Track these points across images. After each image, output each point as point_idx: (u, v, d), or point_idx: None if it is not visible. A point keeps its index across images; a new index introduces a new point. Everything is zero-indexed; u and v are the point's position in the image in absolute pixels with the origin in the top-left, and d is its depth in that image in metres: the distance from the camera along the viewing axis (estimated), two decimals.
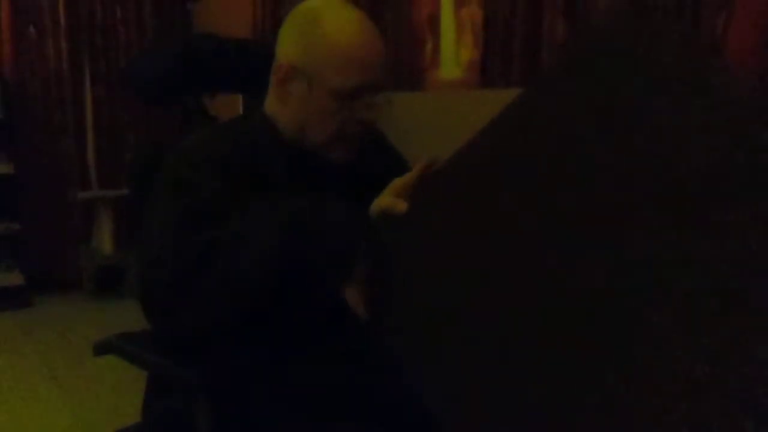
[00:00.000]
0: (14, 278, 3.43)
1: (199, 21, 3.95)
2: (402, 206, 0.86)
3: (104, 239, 3.62)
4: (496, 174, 0.78)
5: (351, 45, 1.00)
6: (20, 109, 3.58)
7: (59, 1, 3.65)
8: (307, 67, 1.01)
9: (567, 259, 0.70)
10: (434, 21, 2.58)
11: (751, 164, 0.62)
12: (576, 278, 0.69)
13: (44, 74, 3.65)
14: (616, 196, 0.69)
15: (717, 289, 0.62)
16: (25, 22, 3.60)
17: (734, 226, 0.63)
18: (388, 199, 0.88)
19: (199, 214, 0.95)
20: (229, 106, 2.57)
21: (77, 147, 3.74)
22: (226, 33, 3.78)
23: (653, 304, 0.65)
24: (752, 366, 0.60)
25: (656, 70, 0.69)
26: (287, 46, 1.04)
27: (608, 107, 0.71)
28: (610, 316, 0.67)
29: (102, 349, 1.23)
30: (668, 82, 0.68)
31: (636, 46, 0.72)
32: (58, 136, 3.69)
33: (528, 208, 0.74)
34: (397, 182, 0.90)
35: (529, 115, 0.78)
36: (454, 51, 2.54)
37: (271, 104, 1.09)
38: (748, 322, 0.60)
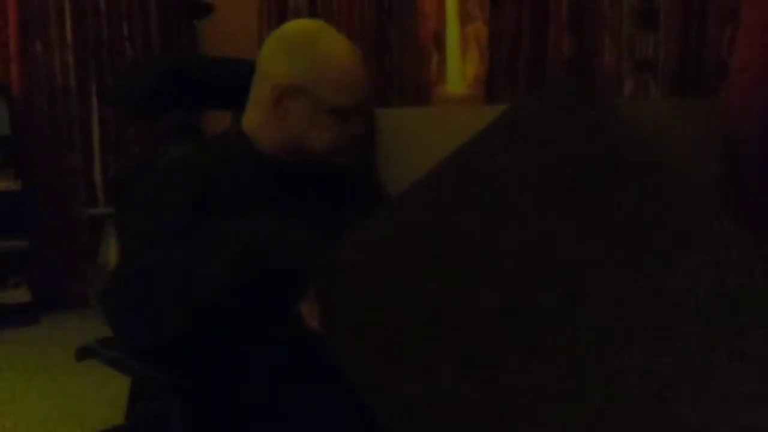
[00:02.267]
0: (22, 295, 3.43)
1: (205, 37, 3.97)
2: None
3: (111, 255, 3.62)
4: (441, 214, 0.87)
5: (347, 67, 1.11)
6: (27, 126, 3.59)
7: (66, 18, 3.67)
8: (308, 86, 1.10)
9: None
10: (440, 37, 2.59)
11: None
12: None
13: (51, 91, 3.67)
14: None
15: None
16: (32, 39, 3.62)
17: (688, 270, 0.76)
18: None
19: (164, 235, 1.01)
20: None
21: (84, 163, 3.75)
22: (232, 48, 3.79)
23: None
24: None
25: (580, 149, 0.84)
26: (284, 67, 1.11)
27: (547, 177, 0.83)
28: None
29: (83, 354, 1.29)
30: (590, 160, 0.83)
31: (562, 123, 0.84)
32: (65, 152, 3.70)
33: (474, 256, 0.83)
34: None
35: (468, 173, 0.88)
36: (459, 67, 2.54)
37: (253, 120, 1.17)
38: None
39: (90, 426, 2.24)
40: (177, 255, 0.96)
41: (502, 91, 2.36)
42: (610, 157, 0.85)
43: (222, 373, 1.05)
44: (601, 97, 0.91)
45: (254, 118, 1.17)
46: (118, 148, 3.81)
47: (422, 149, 2.41)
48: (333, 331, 0.91)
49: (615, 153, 0.86)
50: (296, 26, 1.16)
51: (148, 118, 1.49)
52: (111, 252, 3.62)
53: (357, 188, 1.22)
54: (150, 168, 1.14)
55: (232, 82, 1.30)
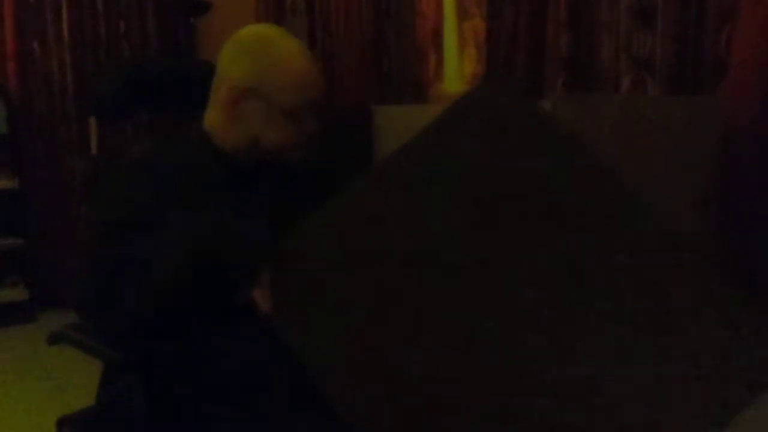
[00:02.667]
0: (19, 293, 3.43)
1: (202, 35, 3.97)
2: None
3: None
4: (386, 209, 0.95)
5: (298, 69, 1.19)
6: (25, 125, 3.59)
7: (63, 17, 3.66)
8: (262, 88, 1.18)
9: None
10: (438, 35, 2.59)
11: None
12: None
13: (49, 90, 3.66)
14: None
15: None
16: (30, 38, 3.61)
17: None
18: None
19: (126, 225, 1.08)
20: None
21: (81, 162, 3.75)
22: None
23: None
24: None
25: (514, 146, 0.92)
26: (239, 70, 1.20)
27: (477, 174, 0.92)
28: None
29: (54, 339, 1.38)
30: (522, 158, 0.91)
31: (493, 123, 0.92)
32: (63, 151, 3.70)
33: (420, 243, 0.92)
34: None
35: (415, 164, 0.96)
36: (457, 64, 2.54)
37: (213, 120, 1.25)
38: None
39: None
40: (138, 243, 1.03)
41: None
42: (542, 161, 0.92)
43: (181, 354, 1.13)
44: (534, 102, 1.00)
45: (213, 117, 1.25)
46: (116, 148, 3.81)
47: None
48: (283, 315, 0.99)
49: (548, 157, 0.93)
50: (251, 31, 1.24)
51: (112, 119, 1.56)
52: None
53: (313, 183, 1.31)
54: (113, 164, 1.24)
55: (194, 83, 1.36)
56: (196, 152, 1.23)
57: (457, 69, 2.55)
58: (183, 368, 1.15)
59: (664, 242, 0.88)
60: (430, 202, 0.92)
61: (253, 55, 1.19)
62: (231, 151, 1.24)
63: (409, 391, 0.90)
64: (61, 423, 1.36)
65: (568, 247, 0.87)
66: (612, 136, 1.46)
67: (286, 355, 0.97)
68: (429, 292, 0.90)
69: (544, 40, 2.20)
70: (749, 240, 1.71)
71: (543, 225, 0.88)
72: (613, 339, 0.85)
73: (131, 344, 1.16)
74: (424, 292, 0.91)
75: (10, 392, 2.54)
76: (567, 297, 0.87)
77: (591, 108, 1.44)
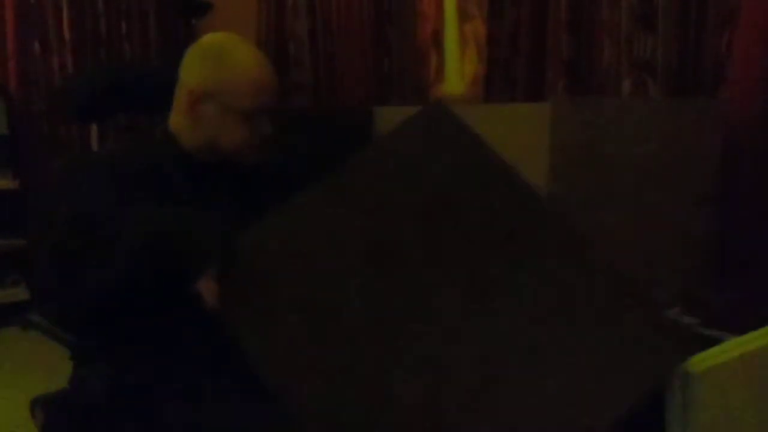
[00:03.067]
0: (19, 294, 3.43)
1: (203, 36, 3.97)
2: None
3: None
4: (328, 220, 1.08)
5: (252, 74, 1.28)
6: (25, 125, 3.59)
7: (64, 17, 3.67)
8: (218, 92, 1.27)
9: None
10: (438, 37, 2.59)
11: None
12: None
13: (49, 90, 3.66)
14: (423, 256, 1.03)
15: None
16: (30, 38, 3.61)
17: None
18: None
19: (87, 220, 1.19)
20: None
21: None
22: None
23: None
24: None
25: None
26: (197, 75, 1.28)
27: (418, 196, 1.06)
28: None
29: (26, 324, 1.38)
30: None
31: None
32: (63, 151, 3.70)
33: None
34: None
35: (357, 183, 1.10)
36: (458, 66, 2.55)
37: (175, 122, 1.33)
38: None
39: None
40: (98, 236, 1.13)
41: (501, 91, 2.36)
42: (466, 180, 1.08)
43: (137, 340, 1.22)
44: (464, 127, 1.17)
45: (176, 120, 1.33)
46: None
47: None
48: (230, 309, 1.06)
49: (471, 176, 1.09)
50: (210, 39, 1.34)
51: (89, 121, 1.66)
52: None
53: (270, 183, 1.35)
54: (80, 163, 1.37)
55: (164, 87, 1.43)
56: (159, 153, 1.32)
57: (457, 70, 2.56)
58: (139, 354, 1.24)
59: (570, 246, 1.04)
60: (372, 214, 1.06)
61: (210, 62, 1.28)
62: (192, 151, 1.32)
63: (347, 387, 0.98)
64: (35, 402, 1.42)
65: (488, 255, 1.02)
66: (613, 138, 1.46)
67: (231, 347, 1.05)
68: (367, 294, 1.01)
69: (545, 42, 2.20)
70: (749, 240, 1.72)
71: (470, 236, 1.03)
72: (524, 339, 0.96)
73: (91, 331, 1.26)
74: (361, 294, 1.01)
75: (10, 392, 2.54)
76: (483, 299, 0.99)
77: (592, 110, 1.44)
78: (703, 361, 0.89)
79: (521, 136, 2.01)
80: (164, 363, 1.23)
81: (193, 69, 1.29)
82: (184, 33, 3.96)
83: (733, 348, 0.93)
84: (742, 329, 1.14)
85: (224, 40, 1.32)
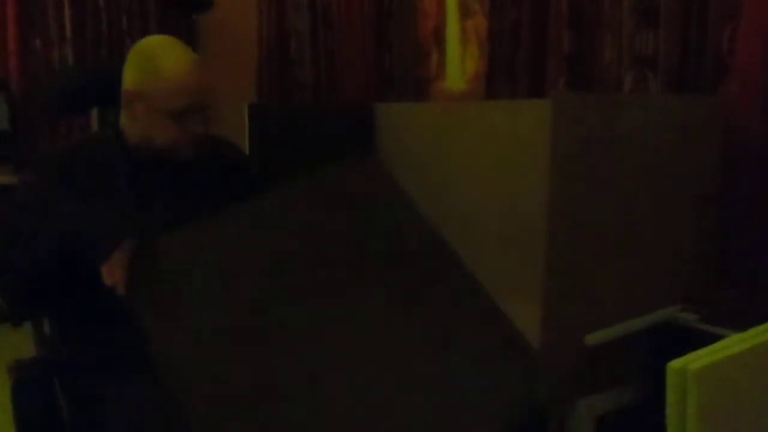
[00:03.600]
0: None
1: (205, 32, 3.97)
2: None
3: None
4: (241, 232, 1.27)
5: (180, 75, 1.38)
6: (26, 121, 3.59)
7: (65, 14, 3.67)
8: (147, 94, 1.38)
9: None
10: (439, 33, 2.58)
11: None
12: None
13: (32, 87, 3.66)
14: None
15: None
16: (32, 35, 3.61)
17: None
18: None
19: (25, 208, 1.39)
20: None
21: None
22: (232, 43, 3.78)
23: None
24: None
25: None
26: (131, 77, 1.41)
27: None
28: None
29: None
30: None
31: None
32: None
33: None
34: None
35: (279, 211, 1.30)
36: (459, 62, 2.54)
37: (121, 120, 1.47)
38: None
39: None
40: (29, 223, 1.34)
41: (502, 87, 2.35)
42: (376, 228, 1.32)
43: (68, 315, 1.44)
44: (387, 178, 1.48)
45: (122, 117, 1.47)
46: None
47: (421, 145, 2.41)
48: (138, 299, 1.20)
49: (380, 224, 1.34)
50: (145, 43, 1.45)
51: (65, 116, 1.81)
52: None
53: (211, 180, 1.50)
54: (39, 158, 1.58)
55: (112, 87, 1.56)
56: (108, 148, 1.47)
57: (458, 67, 2.55)
58: (71, 328, 1.46)
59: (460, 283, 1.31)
60: (280, 235, 1.26)
61: (142, 65, 1.40)
62: (135, 148, 1.45)
63: (239, 370, 1.11)
64: (11, 369, 1.53)
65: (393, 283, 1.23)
66: (614, 134, 1.46)
67: (135, 329, 1.18)
68: (263, 297, 1.19)
69: (546, 38, 2.19)
70: (750, 237, 1.71)
71: (371, 268, 1.25)
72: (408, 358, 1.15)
73: (28, 307, 1.43)
74: (257, 295, 1.19)
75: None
76: (353, 311, 1.19)
77: (593, 106, 1.43)
78: (701, 358, 0.88)
79: (522, 132, 2.00)
80: (79, 338, 1.43)
81: (129, 71, 1.42)
82: (185, 29, 3.96)
83: (731, 345, 0.93)
84: (742, 326, 1.13)
85: (157, 45, 1.44)
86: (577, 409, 1.45)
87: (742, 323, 1.18)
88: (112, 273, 1.22)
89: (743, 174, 1.72)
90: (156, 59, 1.38)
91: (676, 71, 1.86)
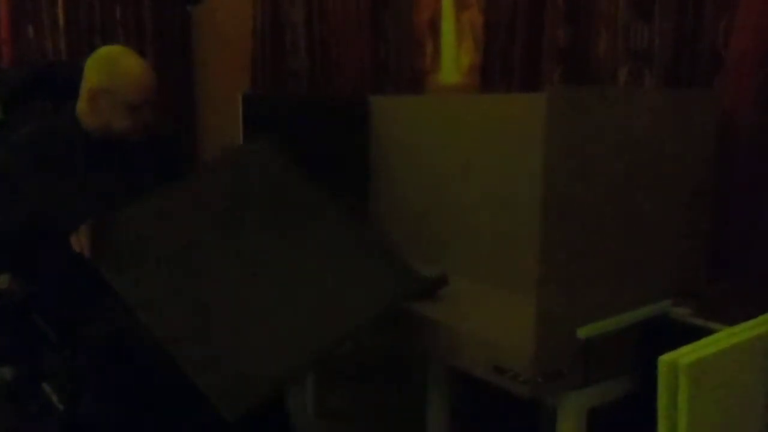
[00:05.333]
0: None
1: (199, 22, 3.95)
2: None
3: None
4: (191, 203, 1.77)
5: (136, 76, 1.79)
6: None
7: (58, 2, 3.64)
8: (111, 90, 1.78)
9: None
10: (435, 25, 2.58)
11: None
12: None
13: None
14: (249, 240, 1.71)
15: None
16: (24, 23, 3.59)
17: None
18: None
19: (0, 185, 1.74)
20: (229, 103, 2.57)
21: None
22: (226, 33, 3.77)
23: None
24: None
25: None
26: (96, 77, 1.80)
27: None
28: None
29: None
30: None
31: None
32: None
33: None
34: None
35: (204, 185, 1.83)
36: (454, 55, 2.53)
37: (80, 109, 1.84)
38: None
39: None
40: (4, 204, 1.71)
41: (497, 80, 2.35)
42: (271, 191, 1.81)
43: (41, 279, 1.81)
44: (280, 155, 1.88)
45: (80, 107, 1.84)
46: None
47: (415, 137, 2.40)
48: (106, 259, 1.59)
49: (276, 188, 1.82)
50: (106, 50, 1.85)
51: (14, 107, 2.20)
52: None
53: (153, 158, 1.91)
54: (7, 139, 1.85)
55: (69, 81, 1.92)
56: (67, 132, 1.83)
57: (454, 59, 2.54)
58: (47, 274, 1.79)
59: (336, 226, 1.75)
60: (203, 210, 1.74)
61: (106, 67, 1.79)
62: (92, 132, 1.83)
63: (186, 299, 1.56)
64: None
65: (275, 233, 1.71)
66: (608, 128, 1.46)
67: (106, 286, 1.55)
68: (205, 248, 1.67)
69: (542, 31, 2.19)
70: (743, 231, 1.71)
71: (267, 221, 1.73)
72: (289, 272, 1.64)
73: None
74: (200, 248, 1.66)
75: None
76: (273, 251, 1.68)
77: (588, 99, 1.43)
78: (692, 352, 0.89)
79: (517, 125, 2.00)
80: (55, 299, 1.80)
81: (94, 71, 1.80)
82: (179, 19, 3.94)
83: (722, 339, 0.93)
84: (733, 321, 1.13)
85: (117, 52, 1.84)
86: (569, 402, 1.45)
87: (733, 318, 1.18)
88: (79, 241, 1.58)
89: (737, 168, 1.72)
90: (118, 63, 1.79)
91: (671, 64, 1.86)
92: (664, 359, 0.89)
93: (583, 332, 1.43)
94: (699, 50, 1.82)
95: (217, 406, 1.38)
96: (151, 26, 3.85)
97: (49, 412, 1.77)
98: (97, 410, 1.65)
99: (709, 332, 1.07)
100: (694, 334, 1.07)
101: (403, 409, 2.35)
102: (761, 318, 1.09)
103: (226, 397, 1.39)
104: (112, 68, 1.77)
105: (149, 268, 1.58)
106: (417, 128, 2.40)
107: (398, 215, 2.50)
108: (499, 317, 1.76)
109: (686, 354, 0.90)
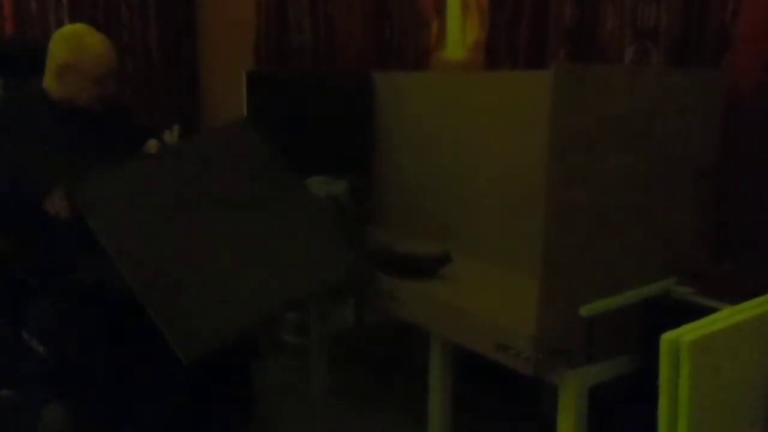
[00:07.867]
0: None
1: (203, 16, 3.93)
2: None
3: None
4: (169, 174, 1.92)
5: (100, 51, 1.97)
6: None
7: (63, 1, 3.61)
8: (78, 64, 1.95)
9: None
10: (440, 2, 2.55)
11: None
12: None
13: None
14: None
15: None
16: (30, 24, 3.57)
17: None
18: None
19: None
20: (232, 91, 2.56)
21: None
22: (230, 11, 3.74)
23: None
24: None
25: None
26: (61, 53, 1.95)
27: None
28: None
29: None
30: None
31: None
32: None
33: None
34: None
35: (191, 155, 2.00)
36: (459, 32, 2.51)
37: (47, 82, 1.99)
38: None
39: None
40: None
41: (502, 57, 2.33)
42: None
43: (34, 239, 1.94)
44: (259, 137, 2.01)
45: (48, 81, 2.00)
46: None
47: (419, 114, 2.40)
48: (94, 214, 1.76)
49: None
50: (70, 28, 2.03)
51: None
52: None
53: (116, 126, 2.07)
54: None
55: (37, 56, 2.05)
56: (36, 104, 1.99)
57: (459, 37, 2.52)
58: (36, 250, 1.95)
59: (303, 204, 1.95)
60: (182, 174, 1.90)
61: (71, 42, 1.95)
62: (59, 103, 1.98)
63: (167, 246, 1.76)
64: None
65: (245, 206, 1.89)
66: (614, 106, 1.45)
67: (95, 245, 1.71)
68: (180, 205, 1.84)
69: (548, 9, 2.17)
70: (748, 211, 1.71)
71: (234, 195, 1.90)
72: (255, 241, 1.83)
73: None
74: (177, 204, 1.84)
75: None
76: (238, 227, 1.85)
77: (593, 78, 1.43)
78: (694, 330, 0.89)
79: (522, 103, 1.99)
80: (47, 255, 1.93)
81: (60, 48, 1.95)
82: (183, 12, 3.92)
83: (724, 318, 0.94)
84: (736, 299, 1.14)
85: (81, 29, 2.00)
86: (573, 379, 1.46)
87: (735, 296, 1.19)
88: (54, 205, 1.77)
89: (742, 147, 1.71)
90: (83, 39, 1.96)
91: (677, 43, 1.85)
92: (667, 337, 0.90)
93: (585, 310, 1.44)
94: (706, 29, 1.80)
95: (176, 349, 1.57)
96: (154, 5, 3.83)
97: (28, 356, 1.89)
98: (79, 352, 1.82)
99: (711, 311, 1.07)
100: (697, 312, 1.07)
101: (408, 392, 2.36)
102: (764, 297, 1.09)
103: (185, 342, 1.59)
104: (78, 45, 1.94)
105: (131, 222, 1.77)
106: (420, 105, 2.39)
107: (401, 192, 2.50)
108: (503, 295, 1.77)
109: (688, 332, 0.90)
